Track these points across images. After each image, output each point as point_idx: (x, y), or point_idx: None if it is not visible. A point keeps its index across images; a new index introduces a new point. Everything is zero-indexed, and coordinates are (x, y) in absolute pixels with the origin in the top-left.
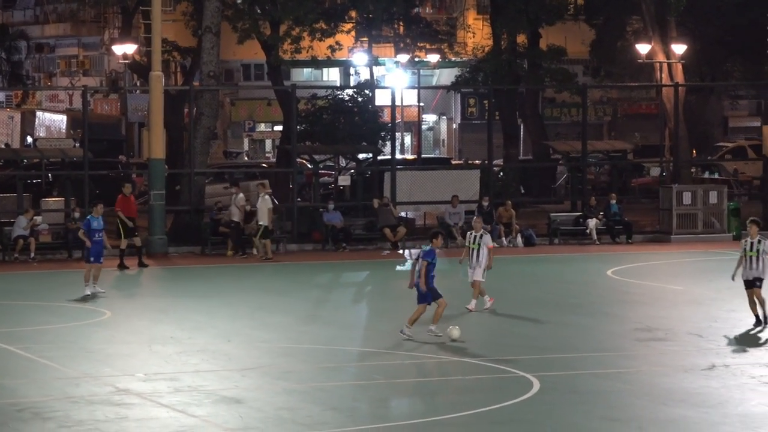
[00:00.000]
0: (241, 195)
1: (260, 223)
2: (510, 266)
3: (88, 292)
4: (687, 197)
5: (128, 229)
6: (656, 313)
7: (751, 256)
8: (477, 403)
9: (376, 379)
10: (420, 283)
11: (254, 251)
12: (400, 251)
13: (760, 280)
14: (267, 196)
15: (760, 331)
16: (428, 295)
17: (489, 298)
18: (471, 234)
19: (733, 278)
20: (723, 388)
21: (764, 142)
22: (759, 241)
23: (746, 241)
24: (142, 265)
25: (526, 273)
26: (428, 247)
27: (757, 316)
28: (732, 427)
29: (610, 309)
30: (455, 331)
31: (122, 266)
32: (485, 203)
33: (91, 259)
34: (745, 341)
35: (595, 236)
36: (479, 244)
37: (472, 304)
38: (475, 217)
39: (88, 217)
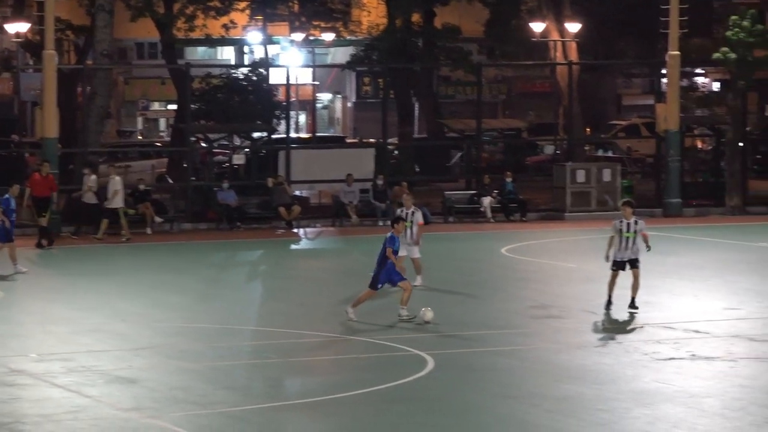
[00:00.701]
0: (94, 177)
1: (108, 205)
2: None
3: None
4: (581, 175)
5: (42, 208)
6: (550, 291)
7: (627, 238)
8: (371, 382)
9: (271, 358)
10: (396, 267)
11: (148, 230)
12: (295, 230)
13: (638, 260)
14: (117, 177)
15: (633, 310)
16: (381, 277)
17: (419, 280)
18: (402, 211)
19: (607, 259)
20: (616, 364)
21: (657, 120)
22: (635, 222)
23: (621, 222)
24: (40, 246)
25: (420, 251)
26: (390, 234)
27: (611, 297)
28: (625, 403)
29: (504, 287)
30: (429, 313)
31: (49, 243)
32: (380, 182)
33: (12, 238)
34: (638, 318)
35: (489, 214)
36: (412, 222)
37: (418, 280)
38: (405, 195)
39: (7, 196)
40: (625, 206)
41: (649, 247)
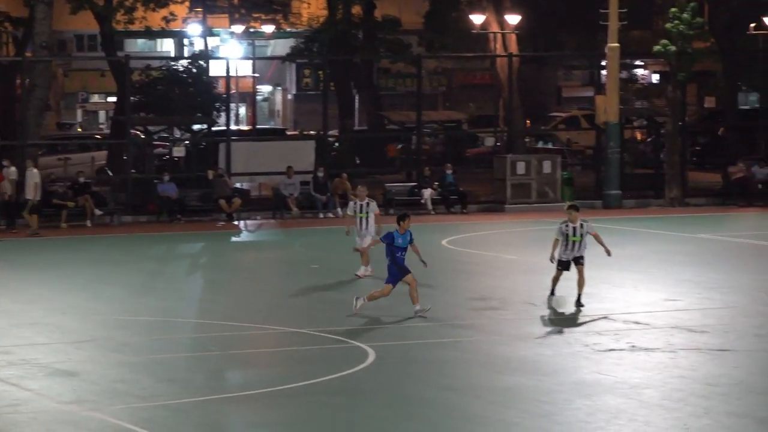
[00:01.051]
0: (13, 168)
1: (27, 197)
2: (343, 237)
3: None
4: (521, 167)
5: None
6: (491, 283)
7: (574, 242)
8: (312, 374)
9: (212, 351)
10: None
11: (88, 223)
12: (235, 222)
13: (582, 257)
14: (35, 170)
15: (579, 307)
16: (390, 277)
17: (370, 269)
18: (356, 203)
19: (552, 260)
20: (557, 356)
21: (597, 111)
22: (581, 225)
23: (567, 226)
24: None
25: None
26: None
27: (554, 290)
28: (566, 395)
29: (445, 279)
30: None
31: None
32: (320, 174)
33: None
34: (579, 310)
35: (430, 206)
36: (367, 213)
37: (362, 271)
38: (359, 186)
39: None
40: (571, 210)
41: (609, 252)
